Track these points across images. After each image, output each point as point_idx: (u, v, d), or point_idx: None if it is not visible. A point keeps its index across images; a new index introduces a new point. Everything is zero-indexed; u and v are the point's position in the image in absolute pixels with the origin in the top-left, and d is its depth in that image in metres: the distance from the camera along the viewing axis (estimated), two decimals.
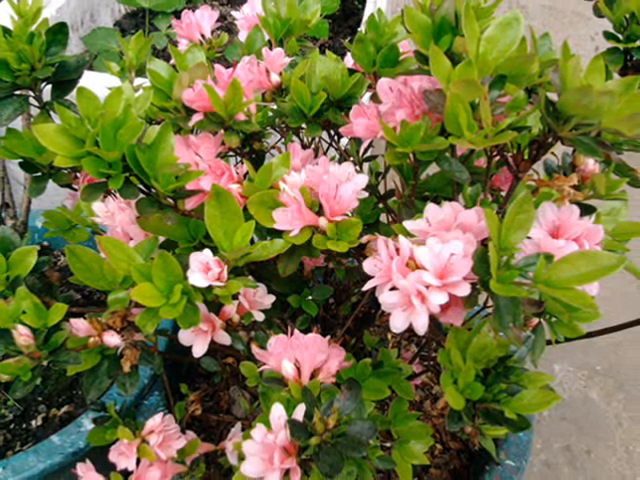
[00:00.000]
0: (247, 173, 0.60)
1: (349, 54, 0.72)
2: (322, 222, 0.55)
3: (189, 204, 0.58)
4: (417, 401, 1.04)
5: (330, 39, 1.77)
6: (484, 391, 0.50)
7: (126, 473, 0.64)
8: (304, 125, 0.69)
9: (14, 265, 0.60)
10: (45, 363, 0.56)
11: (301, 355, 0.56)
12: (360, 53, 0.67)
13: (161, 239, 0.57)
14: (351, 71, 0.67)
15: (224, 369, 0.77)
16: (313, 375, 0.57)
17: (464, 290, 0.44)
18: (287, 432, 0.48)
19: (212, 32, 0.83)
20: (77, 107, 0.53)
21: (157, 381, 0.97)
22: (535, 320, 0.56)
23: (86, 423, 0.89)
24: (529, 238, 0.47)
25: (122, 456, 0.64)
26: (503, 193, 0.64)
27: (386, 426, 0.65)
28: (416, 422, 0.65)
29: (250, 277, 0.55)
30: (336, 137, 0.73)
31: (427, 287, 0.45)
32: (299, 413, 0.49)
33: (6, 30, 0.65)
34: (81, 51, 1.66)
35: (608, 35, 0.68)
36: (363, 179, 0.58)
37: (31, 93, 0.68)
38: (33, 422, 0.96)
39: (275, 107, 0.71)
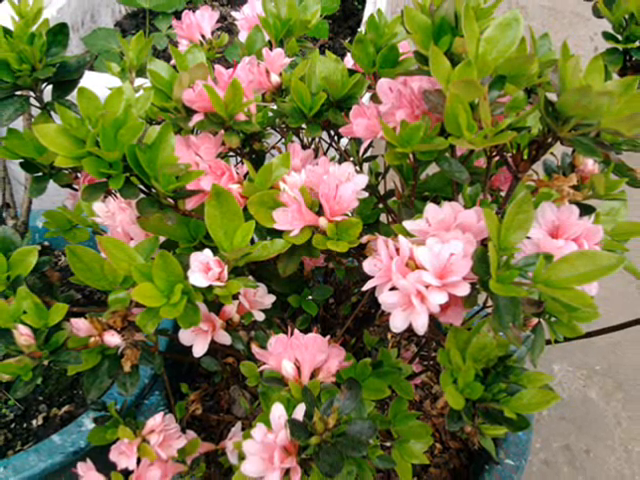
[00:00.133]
0: (247, 173, 0.60)
1: (349, 54, 0.72)
2: (322, 222, 0.55)
3: (189, 204, 0.58)
4: (417, 401, 1.04)
5: (330, 40, 1.77)
6: (484, 391, 0.50)
7: (127, 472, 0.64)
8: (304, 125, 0.69)
9: (15, 265, 0.61)
10: (46, 363, 0.56)
11: (301, 355, 0.56)
12: (360, 53, 0.67)
13: (161, 239, 0.57)
14: (351, 71, 0.68)
15: (224, 369, 0.77)
16: (313, 375, 0.57)
17: (464, 290, 0.44)
18: (287, 432, 0.48)
19: (212, 33, 0.83)
20: (78, 107, 0.53)
21: (157, 381, 0.97)
22: (534, 320, 0.56)
23: (87, 422, 0.89)
24: (528, 238, 0.48)
25: (123, 455, 0.64)
26: (502, 193, 0.64)
27: (386, 425, 0.65)
28: (416, 421, 0.66)
29: (250, 277, 0.55)
30: (336, 137, 0.73)
31: (427, 287, 0.45)
32: (299, 413, 0.49)
33: (7, 31, 0.65)
34: (82, 52, 1.66)
35: (607, 36, 0.68)
36: (363, 179, 0.58)
37: (32, 93, 0.68)
38: (34, 421, 0.96)
39: (275, 107, 0.71)
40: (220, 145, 0.63)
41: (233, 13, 0.90)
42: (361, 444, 0.48)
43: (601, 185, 0.56)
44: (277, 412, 0.50)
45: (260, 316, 0.64)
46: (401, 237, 0.47)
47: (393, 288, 0.46)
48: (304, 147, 0.75)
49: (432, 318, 0.46)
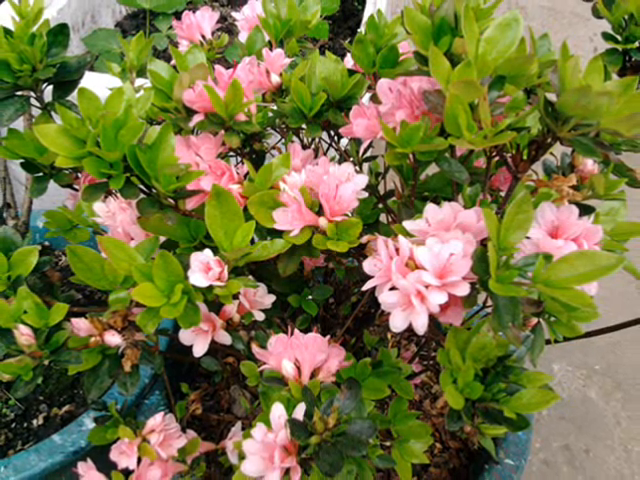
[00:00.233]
0: (247, 173, 0.60)
1: (349, 55, 0.72)
2: (322, 222, 0.55)
3: (190, 204, 0.58)
4: (417, 400, 1.04)
5: (330, 40, 1.77)
6: (483, 390, 0.50)
7: (127, 472, 0.64)
8: (304, 126, 0.69)
9: (15, 265, 0.61)
10: (46, 362, 0.56)
11: (301, 355, 0.56)
12: (360, 54, 0.68)
13: (162, 239, 0.57)
14: (351, 72, 0.68)
15: (224, 368, 0.77)
16: (313, 374, 0.57)
17: (463, 290, 0.45)
18: (287, 431, 0.48)
19: (212, 33, 0.83)
20: (78, 108, 0.53)
21: (158, 380, 0.97)
22: (534, 320, 0.56)
23: (87, 422, 0.89)
24: (528, 238, 0.48)
25: (123, 455, 0.64)
26: (502, 193, 0.64)
27: (386, 425, 0.65)
28: (416, 421, 0.66)
29: (250, 277, 0.55)
30: (336, 137, 0.73)
31: (426, 287, 0.45)
32: (299, 412, 0.49)
33: (7, 31, 0.65)
34: (82, 52, 1.66)
35: (607, 36, 0.68)
36: (363, 179, 0.58)
37: (32, 94, 0.68)
38: (34, 421, 0.96)
39: (275, 108, 0.71)
40: (220, 145, 0.63)
41: (233, 14, 0.90)
42: (361, 443, 0.49)
43: (600, 185, 0.56)
44: (277, 412, 0.50)
45: (260, 316, 0.64)
46: (401, 237, 0.47)
47: (393, 288, 0.47)
48: (304, 147, 0.75)
49: (432, 318, 0.46)
